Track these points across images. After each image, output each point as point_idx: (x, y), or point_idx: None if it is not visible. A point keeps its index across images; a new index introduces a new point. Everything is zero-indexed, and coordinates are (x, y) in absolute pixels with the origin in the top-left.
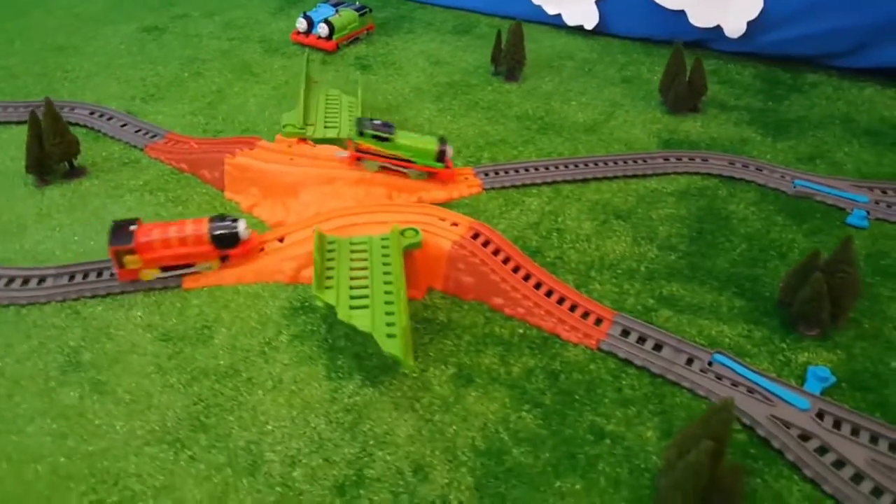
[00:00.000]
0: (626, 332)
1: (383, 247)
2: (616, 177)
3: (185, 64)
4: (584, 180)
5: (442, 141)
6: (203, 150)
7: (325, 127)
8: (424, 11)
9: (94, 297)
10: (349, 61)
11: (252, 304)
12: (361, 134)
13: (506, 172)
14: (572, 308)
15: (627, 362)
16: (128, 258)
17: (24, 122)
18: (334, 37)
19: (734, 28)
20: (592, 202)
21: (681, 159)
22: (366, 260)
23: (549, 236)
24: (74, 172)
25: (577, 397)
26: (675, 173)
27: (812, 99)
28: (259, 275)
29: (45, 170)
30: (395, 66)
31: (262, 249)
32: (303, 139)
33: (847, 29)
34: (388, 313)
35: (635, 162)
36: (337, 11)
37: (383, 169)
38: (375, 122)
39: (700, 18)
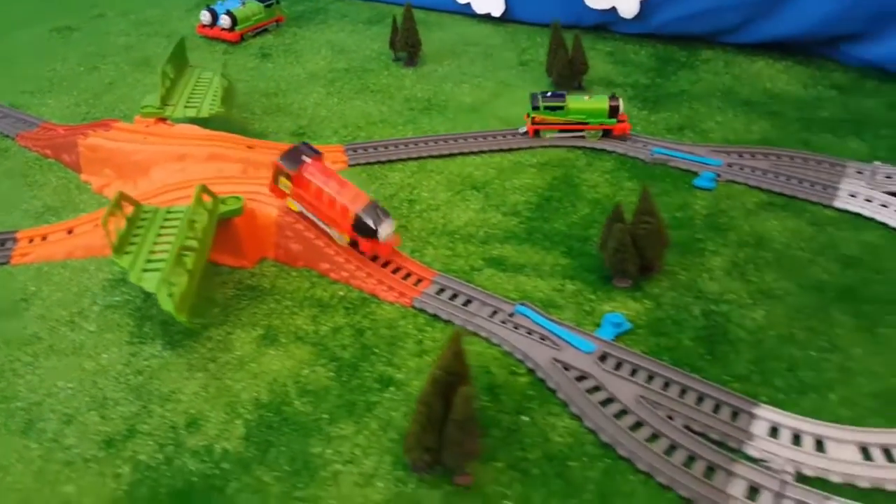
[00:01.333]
0: (441, 290)
1: (195, 214)
2: (482, 151)
3: (85, 59)
4: (451, 155)
5: (613, 97)
6: (63, 134)
7: (185, 107)
8: (342, 4)
9: None
10: (252, 51)
11: (76, 278)
12: (536, 108)
13: (375, 149)
14: (396, 270)
15: (435, 317)
16: (283, 180)
17: None
18: (237, 28)
19: (628, 9)
20: (454, 175)
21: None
22: (174, 228)
23: (400, 206)
24: None
25: (376, 351)
26: (543, 147)
27: (700, 74)
28: (89, 250)
29: None
30: (296, 55)
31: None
32: (162, 119)
33: (733, 5)
34: (174, 276)
35: (504, 137)
36: (242, 3)
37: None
38: (547, 94)
39: (596, 1)
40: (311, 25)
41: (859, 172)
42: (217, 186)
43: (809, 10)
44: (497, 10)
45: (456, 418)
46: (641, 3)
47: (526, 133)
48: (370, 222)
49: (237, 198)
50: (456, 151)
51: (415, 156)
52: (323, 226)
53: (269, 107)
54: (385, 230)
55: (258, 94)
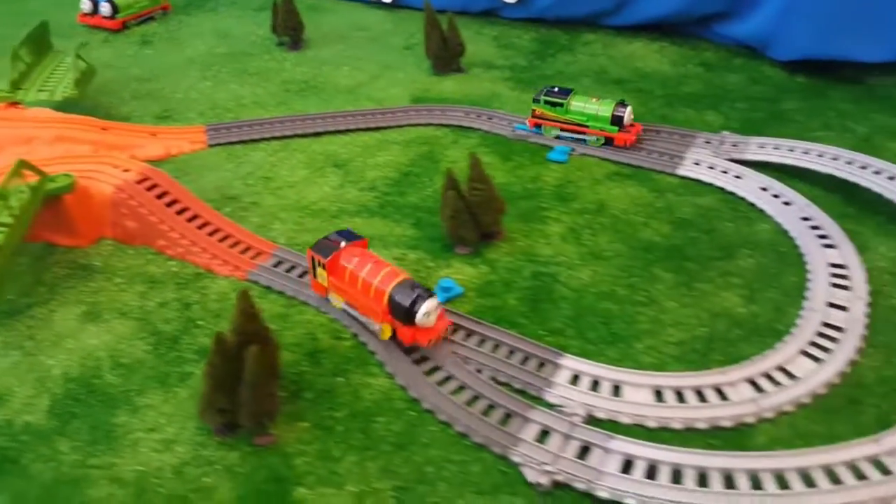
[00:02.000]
0: (279, 263)
1: (18, 190)
2: (350, 130)
3: None
4: (317, 134)
5: (620, 104)
6: None
7: (39, 90)
8: None
9: None
10: (132, 39)
11: None
12: (536, 101)
13: (239, 129)
14: (235, 245)
15: (269, 289)
16: (320, 271)
17: None
18: (119, 16)
19: None
20: (317, 153)
21: (420, 112)
22: None
23: (255, 184)
24: None
25: (200, 323)
26: (411, 125)
27: (577, 56)
28: None
29: None
30: (178, 42)
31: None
32: (13, 103)
33: None
34: None
35: (374, 116)
36: None
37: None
38: (553, 88)
39: None
40: (199, 13)
41: (707, 142)
42: (58, 166)
43: None
44: None
45: (246, 378)
46: None
47: (525, 126)
48: (405, 302)
49: (67, 175)
50: (322, 130)
51: (279, 135)
52: (363, 319)
53: (138, 91)
54: (425, 311)
55: (131, 80)
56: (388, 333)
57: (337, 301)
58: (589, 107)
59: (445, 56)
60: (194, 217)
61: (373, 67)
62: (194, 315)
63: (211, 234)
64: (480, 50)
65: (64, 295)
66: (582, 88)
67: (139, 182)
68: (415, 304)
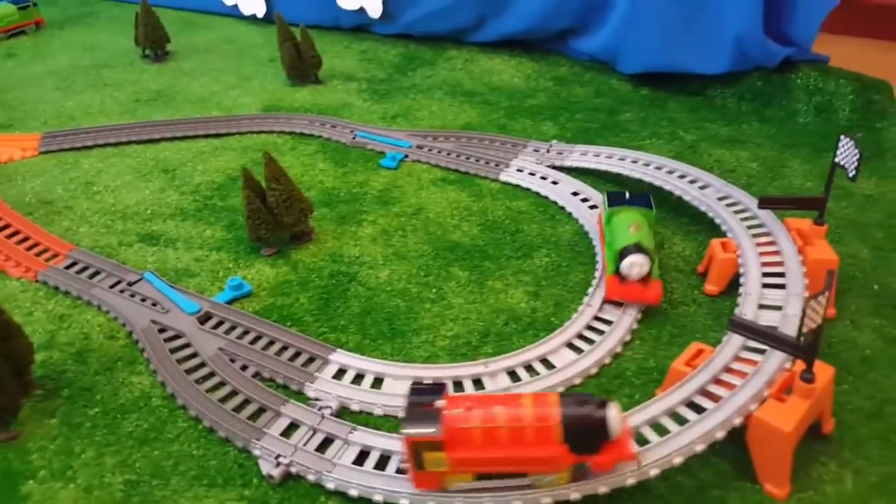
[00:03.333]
0: (73, 265)
1: None
2: (187, 136)
3: None
4: (152, 140)
5: (624, 253)
6: None
7: None
8: (119, 9)
9: None
10: None
11: None
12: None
13: (76, 136)
14: (32, 247)
15: (56, 289)
16: (429, 455)
17: None
18: None
19: (374, 8)
20: (148, 159)
21: (266, 120)
22: None
23: (75, 190)
24: None
25: None
26: (253, 132)
27: (437, 70)
28: None
29: None
30: (44, 55)
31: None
32: None
33: (466, 3)
34: None
35: (217, 123)
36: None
37: None
38: (625, 195)
39: (347, 2)
40: (73, 28)
41: (536, 150)
42: None
43: (530, 7)
44: (260, 11)
45: None
46: (384, 3)
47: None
48: (584, 418)
49: None
50: (159, 137)
51: (114, 141)
52: (517, 482)
53: None
54: (611, 413)
55: None
56: (566, 479)
57: (456, 482)
58: (616, 234)
59: (301, 67)
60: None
61: (231, 79)
62: None
63: (9, 236)
64: (343, 63)
65: None
66: (431, 100)
67: None
68: (601, 413)
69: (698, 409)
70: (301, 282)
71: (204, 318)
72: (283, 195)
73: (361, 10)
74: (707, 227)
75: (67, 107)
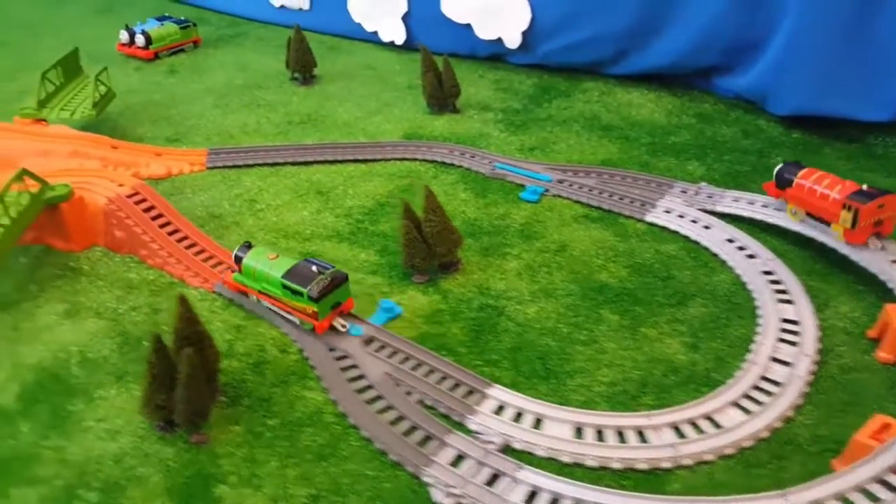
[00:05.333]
0: None
1: (16, 195)
2: (337, 161)
3: (9, 72)
4: (307, 163)
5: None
6: None
7: (62, 109)
8: (265, 30)
9: None
10: (161, 68)
11: None
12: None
13: (237, 154)
14: (208, 259)
15: (231, 301)
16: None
17: None
18: (151, 47)
19: (512, 39)
20: (303, 180)
21: (408, 147)
22: None
23: (240, 206)
24: None
25: (164, 328)
26: (397, 159)
27: (573, 102)
28: None
29: None
30: (201, 72)
31: None
32: (38, 120)
33: (606, 36)
34: None
35: (363, 149)
36: (161, 24)
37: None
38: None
39: (484, 31)
40: (226, 47)
41: (683, 191)
42: (62, 177)
43: (674, 43)
44: (399, 38)
45: (180, 378)
46: (524, 34)
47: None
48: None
49: (65, 184)
50: (312, 160)
51: (271, 161)
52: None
53: (156, 116)
54: None
55: (151, 105)
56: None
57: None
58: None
59: (440, 96)
60: (175, 231)
61: (373, 104)
62: (161, 320)
63: (188, 247)
64: (479, 92)
65: (50, 293)
66: (569, 133)
67: (130, 196)
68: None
69: (891, 488)
70: (452, 312)
71: (368, 341)
72: (438, 226)
73: (499, 40)
74: (877, 289)
75: (227, 124)
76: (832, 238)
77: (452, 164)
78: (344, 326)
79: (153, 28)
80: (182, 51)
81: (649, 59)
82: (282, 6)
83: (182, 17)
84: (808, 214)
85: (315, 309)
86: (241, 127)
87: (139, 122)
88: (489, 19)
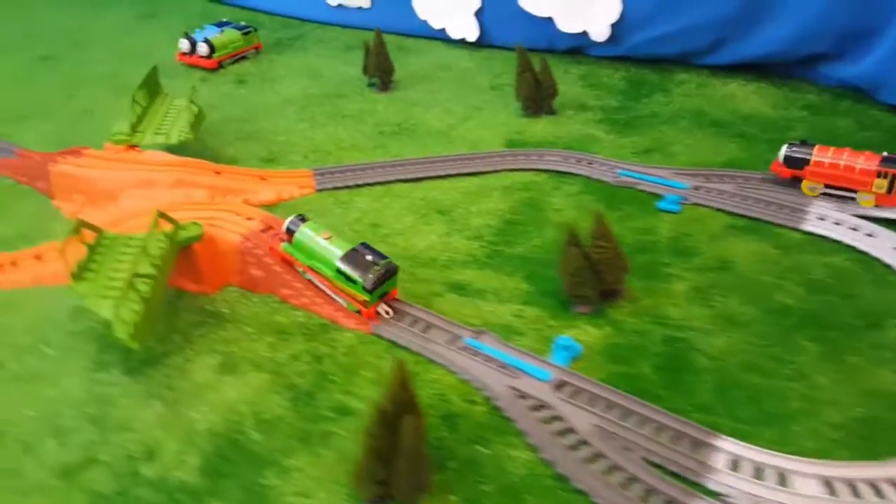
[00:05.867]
0: (402, 316)
1: (157, 241)
2: (449, 175)
3: (66, 87)
4: (418, 179)
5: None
6: (38, 162)
7: (155, 133)
8: (323, 31)
9: None
10: (228, 78)
11: (43, 305)
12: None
13: (343, 174)
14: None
15: (394, 343)
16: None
17: None
18: (215, 55)
19: (599, 32)
20: (419, 199)
21: (517, 157)
22: (133, 255)
23: (364, 231)
24: None
25: (333, 378)
26: (509, 170)
27: (671, 97)
28: (57, 277)
29: None
30: (272, 81)
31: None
32: (132, 146)
33: (703, 25)
34: (131, 303)
35: (472, 160)
36: (221, 31)
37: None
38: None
39: (567, 24)
40: (288, 52)
41: (827, 193)
42: (182, 212)
43: (779, 30)
44: (472, 35)
45: (403, 449)
46: (612, 26)
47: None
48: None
49: (196, 224)
50: (422, 176)
51: (382, 180)
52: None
53: (240, 133)
54: None
55: (231, 121)
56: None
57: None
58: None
59: (537, 98)
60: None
61: (461, 109)
62: (326, 369)
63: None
64: (569, 90)
65: (197, 343)
66: (680, 131)
67: (263, 231)
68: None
69: None
70: (632, 347)
71: (559, 385)
72: (609, 253)
73: (583, 33)
74: None
75: (318, 140)
76: None
77: (569, 173)
78: (388, 313)
79: (214, 35)
80: (244, 58)
81: (750, 47)
82: (339, 5)
83: (242, 23)
84: (828, 187)
85: (367, 298)
86: (335, 142)
87: (227, 141)
88: (574, 12)
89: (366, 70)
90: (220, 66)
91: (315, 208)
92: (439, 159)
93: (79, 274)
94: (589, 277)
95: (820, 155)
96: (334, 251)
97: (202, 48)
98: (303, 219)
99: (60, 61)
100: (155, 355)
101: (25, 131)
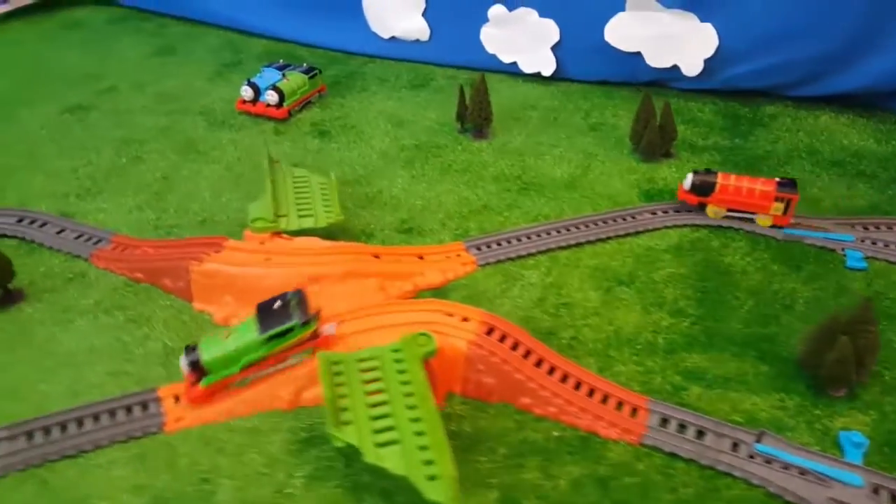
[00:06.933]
0: (664, 421)
1: (396, 360)
2: (609, 238)
3: (121, 147)
4: (579, 244)
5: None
6: (162, 256)
7: (300, 216)
8: (375, 66)
9: (62, 458)
10: (304, 129)
11: (252, 443)
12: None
13: (498, 244)
14: (604, 399)
15: (674, 455)
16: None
17: None
18: (285, 104)
19: (691, 66)
20: (591, 268)
21: (667, 212)
22: (380, 380)
23: (558, 313)
24: (10, 297)
25: None
26: (665, 227)
27: (774, 132)
28: (253, 405)
29: None
30: (356, 131)
31: None
32: (277, 233)
33: (801, 60)
34: (421, 447)
35: (624, 220)
36: (284, 75)
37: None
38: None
39: (657, 59)
40: (353, 94)
41: None
42: (381, 317)
43: (877, 65)
44: (547, 69)
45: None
46: (706, 61)
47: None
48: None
49: (426, 335)
50: (584, 240)
51: (544, 248)
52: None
53: (359, 198)
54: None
55: (340, 183)
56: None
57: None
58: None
59: (658, 143)
60: (553, 368)
61: (574, 155)
62: (618, 496)
63: (575, 387)
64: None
65: (460, 473)
66: (805, 173)
67: (487, 332)
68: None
69: None
70: None
71: (874, 490)
72: (874, 339)
73: (673, 67)
74: None
75: (444, 202)
76: None
77: (730, 228)
78: (332, 329)
79: (279, 80)
80: (310, 103)
81: (844, 81)
82: (393, 37)
83: (304, 64)
84: (729, 210)
85: (311, 329)
86: (464, 203)
87: (350, 211)
88: (666, 48)
89: (460, 116)
90: (290, 115)
91: (488, 288)
92: (590, 219)
93: (336, 418)
94: (853, 363)
95: (724, 181)
96: (249, 334)
97: (271, 96)
98: (193, 347)
99: (96, 112)
100: (419, 497)
101: (103, 209)
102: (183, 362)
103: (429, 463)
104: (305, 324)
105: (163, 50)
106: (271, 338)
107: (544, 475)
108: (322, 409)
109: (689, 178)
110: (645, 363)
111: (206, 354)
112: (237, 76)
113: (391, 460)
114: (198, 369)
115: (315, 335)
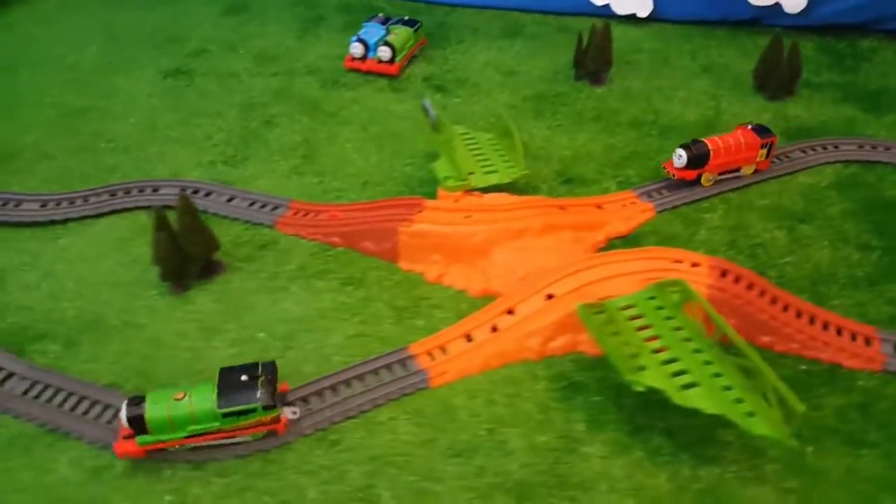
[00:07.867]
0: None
1: (657, 308)
2: (769, 178)
3: (245, 111)
4: (745, 186)
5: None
6: (363, 219)
7: (486, 173)
8: (461, 15)
9: (345, 419)
10: (416, 85)
11: (518, 393)
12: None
13: (668, 189)
14: (838, 332)
15: None
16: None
17: (107, 214)
18: (397, 59)
19: (794, 3)
20: (765, 208)
21: (815, 149)
22: (651, 326)
23: (755, 253)
24: (210, 268)
25: None
26: (818, 165)
27: (880, 66)
28: (504, 356)
29: (184, 274)
30: (470, 83)
31: (494, 328)
32: (468, 191)
33: None
34: (724, 388)
35: (779, 159)
36: (388, 30)
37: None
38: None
39: None
40: (451, 45)
41: None
42: (608, 268)
43: None
44: (644, 10)
45: None
46: None
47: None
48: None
49: (677, 282)
50: (741, 185)
51: (715, 192)
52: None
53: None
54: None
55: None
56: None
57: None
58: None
59: (787, 81)
60: (787, 305)
61: (699, 97)
62: (884, 420)
63: (810, 322)
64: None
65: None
66: None
67: (721, 275)
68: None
69: None
70: None
71: None
72: None
73: (775, 5)
74: None
75: (593, 149)
76: None
77: (879, 162)
78: (295, 413)
79: (385, 35)
80: (414, 58)
81: None
82: None
83: (405, 17)
84: (720, 173)
85: (275, 413)
86: (612, 150)
87: None
88: None
89: (578, 63)
90: (401, 71)
91: (676, 233)
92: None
93: (628, 364)
94: None
95: (713, 146)
96: (204, 402)
97: (383, 52)
98: (138, 400)
99: (199, 77)
100: (706, 434)
101: (259, 176)
102: (122, 413)
103: (739, 401)
104: (273, 405)
105: (233, 8)
106: (227, 415)
107: (811, 406)
108: (569, 358)
109: (682, 154)
110: (854, 296)
111: (152, 411)
112: (325, 32)
113: (700, 401)
114: (137, 425)
115: (276, 419)
